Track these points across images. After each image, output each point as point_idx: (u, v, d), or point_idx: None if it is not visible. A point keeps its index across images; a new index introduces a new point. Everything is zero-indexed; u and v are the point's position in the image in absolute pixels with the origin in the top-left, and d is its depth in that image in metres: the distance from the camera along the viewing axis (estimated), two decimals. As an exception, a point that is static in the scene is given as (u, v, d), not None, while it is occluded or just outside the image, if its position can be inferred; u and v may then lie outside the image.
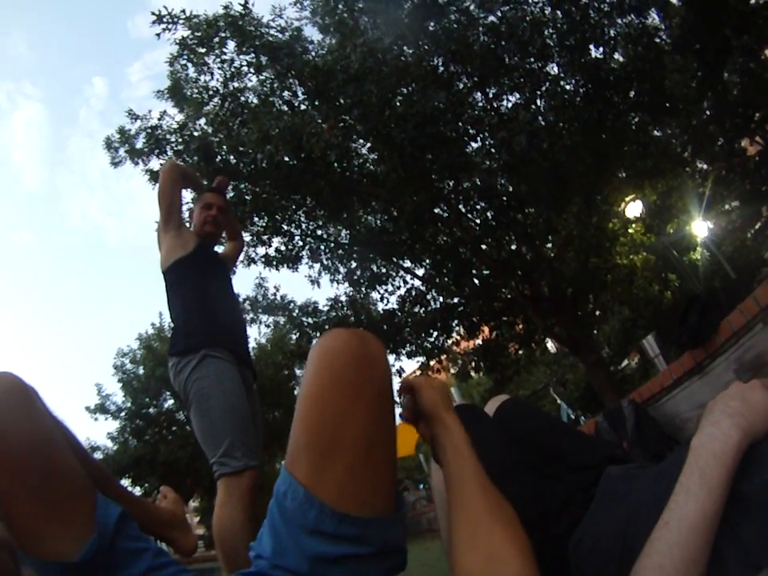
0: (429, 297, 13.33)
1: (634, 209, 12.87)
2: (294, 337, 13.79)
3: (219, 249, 4.22)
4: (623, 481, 1.45)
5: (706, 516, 1.03)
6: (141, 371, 22.40)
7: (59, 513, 1.21)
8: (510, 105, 10.71)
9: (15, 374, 1.31)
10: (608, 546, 1.29)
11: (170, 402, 22.24)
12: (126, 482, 21.28)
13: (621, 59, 10.55)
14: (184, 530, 2.00)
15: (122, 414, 22.20)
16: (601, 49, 10.07)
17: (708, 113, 11.91)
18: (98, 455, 21.29)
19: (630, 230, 13.67)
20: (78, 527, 1.22)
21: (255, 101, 10.85)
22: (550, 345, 19.03)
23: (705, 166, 14.85)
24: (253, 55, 10.07)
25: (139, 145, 10.78)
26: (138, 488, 21.67)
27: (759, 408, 1.13)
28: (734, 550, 1.02)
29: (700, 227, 14.38)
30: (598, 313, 15.37)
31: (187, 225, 3.85)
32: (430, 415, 1.39)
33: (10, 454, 1.18)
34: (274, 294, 13.55)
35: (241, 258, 9.70)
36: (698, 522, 1.02)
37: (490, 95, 10.70)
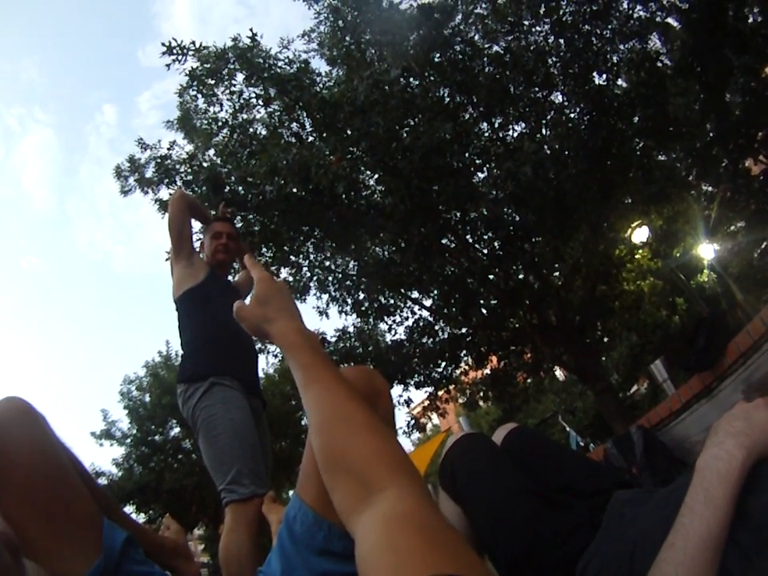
0: (437, 327, 13.26)
1: (640, 234, 12.87)
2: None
3: (234, 277, 4.24)
4: (631, 505, 1.47)
5: (712, 535, 1.04)
6: (147, 398, 22.37)
7: (67, 534, 1.25)
8: (515, 134, 10.78)
9: (25, 400, 1.35)
10: (616, 569, 1.30)
11: (176, 429, 22.17)
12: (130, 509, 21.31)
13: (624, 85, 10.61)
14: (187, 559, 2.02)
15: (128, 440, 22.19)
16: (604, 75, 10.14)
17: (711, 135, 11.92)
18: (103, 481, 21.26)
19: (637, 256, 13.68)
20: (84, 548, 1.25)
21: (264, 132, 10.91)
22: (559, 373, 19.01)
23: (710, 189, 14.86)
24: (261, 87, 10.12)
25: (149, 174, 10.82)
26: (142, 515, 21.64)
27: (763, 427, 1.14)
28: (740, 568, 1.04)
29: (706, 250, 14.40)
30: (605, 340, 15.37)
31: (200, 254, 3.89)
32: (260, 336, 1.24)
33: (20, 475, 1.23)
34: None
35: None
36: (703, 542, 1.04)
37: (496, 125, 10.76)
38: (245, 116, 11.02)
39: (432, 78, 10.22)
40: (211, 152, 11.03)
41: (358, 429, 0.93)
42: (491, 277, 11.70)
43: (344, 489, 0.88)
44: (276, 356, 13.78)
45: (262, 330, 1.21)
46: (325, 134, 9.86)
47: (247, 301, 1.26)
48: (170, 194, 10.28)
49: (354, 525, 0.82)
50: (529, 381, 15.45)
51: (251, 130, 11.01)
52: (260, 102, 10.59)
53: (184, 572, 1.97)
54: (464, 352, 13.49)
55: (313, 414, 1.02)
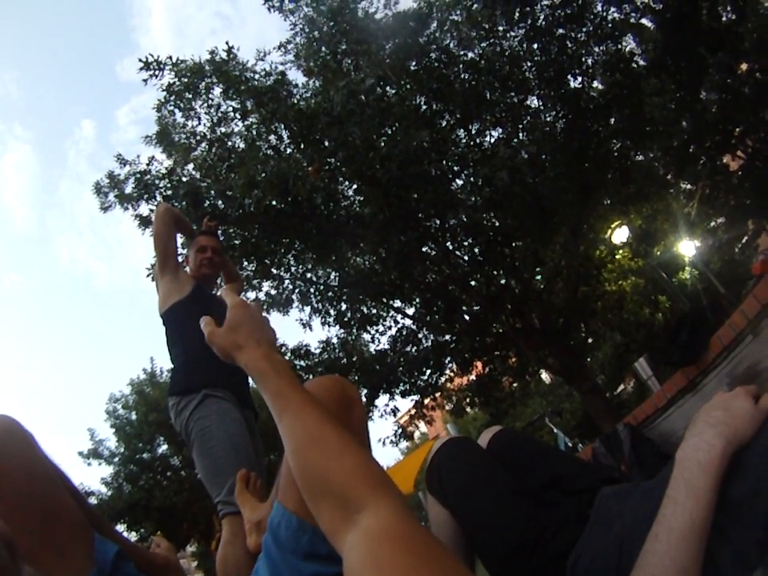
0: (420, 335, 13.27)
1: (620, 235, 12.90)
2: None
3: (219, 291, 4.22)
4: (617, 499, 1.48)
5: (695, 525, 1.05)
6: (134, 417, 22.27)
7: (58, 547, 1.27)
8: (492, 140, 10.81)
9: (13, 417, 1.36)
10: (605, 563, 1.31)
11: (164, 447, 22.14)
12: (121, 528, 21.20)
13: (600, 87, 10.66)
14: (178, 574, 2.02)
15: (116, 459, 22.08)
16: (579, 78, 10.20)
17: (687, 133, 12.00)
18: (93, 500, 21.09)
19: (618, 256, 13.73)
20: (77, 561, 1.27)
21: (242, 145, 10.94)
22: (545, 376, 19.04)
23: (689, 186, 14.94)
24: (238, 100, 10.13)
25: (128, 190, 10.76)
26: (133, 533, 21.52)
27: (742, 415, 1.15)
28: (726, 555, 1.05)
29: (687, 247, 14.43)
30: (590, 340, 15.39)
31: (185, 268, 3.86)
32: (230, 362, 1.25)
33: (12, 492, 1.25)
34: (266, 339, 13.03)
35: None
36: (686, 532, 1.05)
37: (473, 131, 10.79)
38: (223, 129, 11.06)
39: (408, 86, 10.26)
40: (190, 166, 11.04)
41: (332, 451, 0.95)
42: (473, 283, 11.75)
43: (327, 511, 0.90)
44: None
45: (231, 357, 1.23)
46: (302, 146, 9.86)
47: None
48: (151, 210, 10.29)
49: (340, 545, 0.83)
50: (515, 385, 15.43)
51: (229, 143, 11.05)
52: (237, 114, 10.59)
53: None
54: (448, 359, 13.48)
55: (288, 441, 1.04)
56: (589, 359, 16.75)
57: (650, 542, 1.10)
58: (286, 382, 1.11)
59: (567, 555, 1.43)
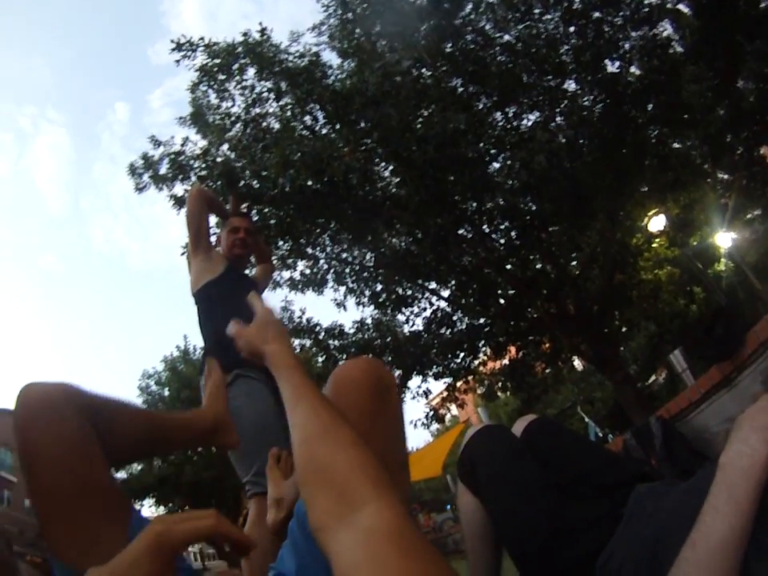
0: (455, 318, 13.25)
1: (657, 223, 12.75)
2: (320, 360, 13.73)
3: (251, 272, 4.24)
4: (652, 498, 1.44)
5: (735, 535, 1.02)
6: (166, 393, 22.54)
7: (91, 528, 1.24)
8: (529, 123, 10.72)
9: (50, 385, 1.34)
10: (637, 564, 1.27)
11: (196, 423, 22.34)
12: (149, 502, 21.47)
13: (637, 72, 10.52)
14: (227, 430, 2.09)
15: (147, 434, 22.35)
16: (617, 63, 10.07)
17: (724, 121, 11.77)
18: (123, 474, 21.40)
19: (654, 245, 13.57)
20: (108, 542, 1.22)
21: (277, 126, 10.89)
22: (577, 363, 18.92)
23: (726, 177, 14.70)
24: (273, 81, 10.13)
25: (163, 170, 10.87)
26: (162, 508, 21.78)
27: None
28: (764, 567, 1.01)
29: (723, 238, 14.24)
30: (624, 329, 15.25)
31: (217, 249, 3.90)
32: (255, 355, 1.40)
33: (45, 472, 1.23)
34: (300, 317, 13.23)
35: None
36: (725, 542, 1.01)
37: (510, 114, 10.71)
38: (257, 110, 11.02)
39: (444, 69, 10.19)
40: (225, 147, 11.04)
41: (341, 444, 0.96)
42: (508, 266, 11.70)
43: (324, 503, 0.90)
44: (294, 349, 13.73)
45: (258, 350, 1.35)
46: (338, 126, 9.87)
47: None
48: (186, 190, 10.33)
49: (331, 539, 0.83)
50: (547, 371, 15.35)
51: (264, 123, 11.00)
52: (272, 95, 10.58)
53: (227, 443, 2.08)
54: (482, 342, 13.44)
55: (298, 429, 1.05)
56: (622, 348, 16.61)
57: (687, 550, 1.07)
58: (308, 380, 1.16)
59: (598, 554, 1.40)
